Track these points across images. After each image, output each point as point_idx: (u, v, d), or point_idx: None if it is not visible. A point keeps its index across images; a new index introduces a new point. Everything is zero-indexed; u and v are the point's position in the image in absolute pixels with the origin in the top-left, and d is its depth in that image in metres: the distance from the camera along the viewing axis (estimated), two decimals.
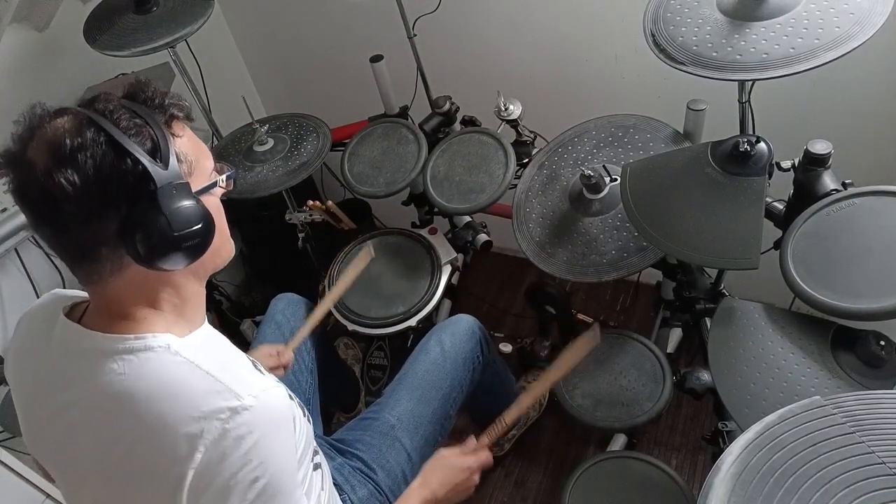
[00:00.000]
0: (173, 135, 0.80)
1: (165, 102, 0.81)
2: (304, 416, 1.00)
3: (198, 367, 0.78)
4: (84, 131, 0.72)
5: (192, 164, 0.81)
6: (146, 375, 0.77)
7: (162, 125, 0.78)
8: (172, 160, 0.76)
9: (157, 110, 0.79)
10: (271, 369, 1.27)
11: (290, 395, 0.95)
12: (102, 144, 0.72)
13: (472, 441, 1.14)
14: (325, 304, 1.46)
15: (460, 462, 1.10)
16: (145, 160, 0.73)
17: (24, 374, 0.90)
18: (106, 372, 0.78)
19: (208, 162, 0.85)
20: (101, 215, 0.74)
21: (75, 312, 0.87)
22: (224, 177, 0.86)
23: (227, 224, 0.89)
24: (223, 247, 0.89)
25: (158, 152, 0.76)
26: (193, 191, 0.79)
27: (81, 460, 0.84)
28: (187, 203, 0.76)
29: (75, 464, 0.85)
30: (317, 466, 1.03)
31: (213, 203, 0.84)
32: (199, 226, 0.77)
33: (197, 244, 0.78)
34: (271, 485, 0.77)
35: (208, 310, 2.02)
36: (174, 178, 0.76)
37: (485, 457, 1.13)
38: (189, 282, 0.85)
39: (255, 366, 0.87)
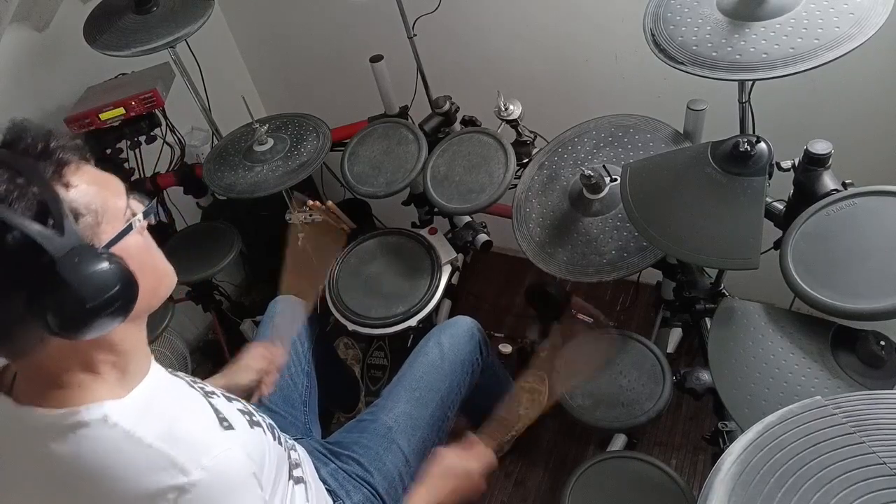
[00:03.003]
0: (67, 186, 0.69)
1: (51, 147, 0.69)
2: (275, 439, 0.96)
3: (139, 440, 0.70)
4: None
5: (97, 213, 0.70)
6: (84, 456, 0.70)
7: (48, 179, 0.67)
8: (68, 222, 0.66)
9: (41, 160, 0.68)
10: (264, 373, 1.26)
11: (253, 419, 0.90)
12: None
13: (472, 440, 1.12)
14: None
15: (465, 466, 1.08)
16: (34, 230, 0.63)
17: None
18: (42, 455, 0.71)
19: (120, 201, 0.74)
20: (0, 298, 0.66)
21: (5, 379, 0.79)
22: (140, 216, 0.76)
23: (159, 256, 0.81)
24: (160, 284, 0.81)
25: (49, 216, 0.65)
26: (104, 244, 0.70)
27: None
28: (98, 267, 0.66)
29: None
30: (298, 481, 1.01)
31: (135, 244, 0.75)
32: (118, 287, 0.67)
33: (119, 307, 0.68)
34: None
35: (208, 310, 2.05)
36: (74, 243, 0.66)
37: (489, 459, 1.11)
38: (127, 335, 0.77)
39: (213, 408, 0.81)
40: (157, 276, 0.80)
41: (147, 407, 0.75)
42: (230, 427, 0.82)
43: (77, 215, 0.69)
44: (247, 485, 0.77)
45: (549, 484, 1.78)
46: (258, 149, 1.73)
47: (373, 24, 1.89)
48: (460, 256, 1.80)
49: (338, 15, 2.07)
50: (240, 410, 0.91)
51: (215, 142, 1.90)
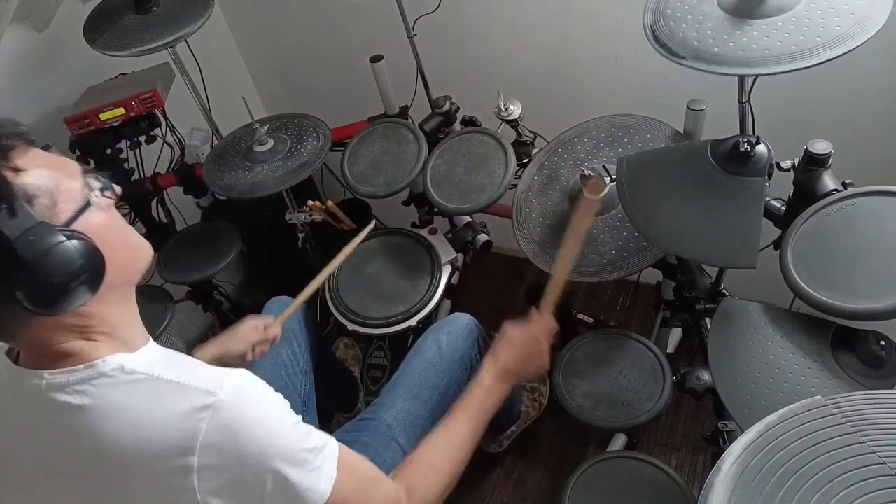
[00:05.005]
0: (15, 169, 0.70)
1: None
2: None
3: (159, 378, 0.74)
4: None
5: (52, 193, 0.72)
6: (110, 406, 0.72)
7: None
8: (20, 204, 0.68)
9: None
10: (256, 344, 1.26)
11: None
12: None
13: (530, 314, 1.20)
14: (321, 277, 1.40)
15: (526, 332, 1.17)
16: None
17: None
18: (64, 409, 0.72)
19: (74, 182, 0.75)
20: None
21: (11, 354, 0.81)
22: (97, 192, 0.77)
23: (129, 230, 0.83)
24: (133, 257, 0.83)
25: (0, 200, 0.67)
26: (62, 222, 0.71)
27: None
28: (56, 243, 0.68)
29: None
30: None
31: (98, 221, 0.76)
32: (81, 262, 0.70)
33: (86, 280, 0.71)
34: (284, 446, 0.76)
35: (208, 310, 2.05)
36: (29, 223, 0.68)
37: (548, 322, 1.20)
38: (111, 310, 0.79)
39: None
40: (128, 249, 0.81)
41: (158, 357, 0.79)
42: None
43: (31, 197, 0.70)
44: (268, 396, 0.80)
45: (549, 484, 1.78)
46: (258, 149, 1.73)
47: (373, 24, 1.89)
48: (460, 256, 1.80)
49: (338, 15, 2.07)
50: None
51: (215, 142, 1.90)
